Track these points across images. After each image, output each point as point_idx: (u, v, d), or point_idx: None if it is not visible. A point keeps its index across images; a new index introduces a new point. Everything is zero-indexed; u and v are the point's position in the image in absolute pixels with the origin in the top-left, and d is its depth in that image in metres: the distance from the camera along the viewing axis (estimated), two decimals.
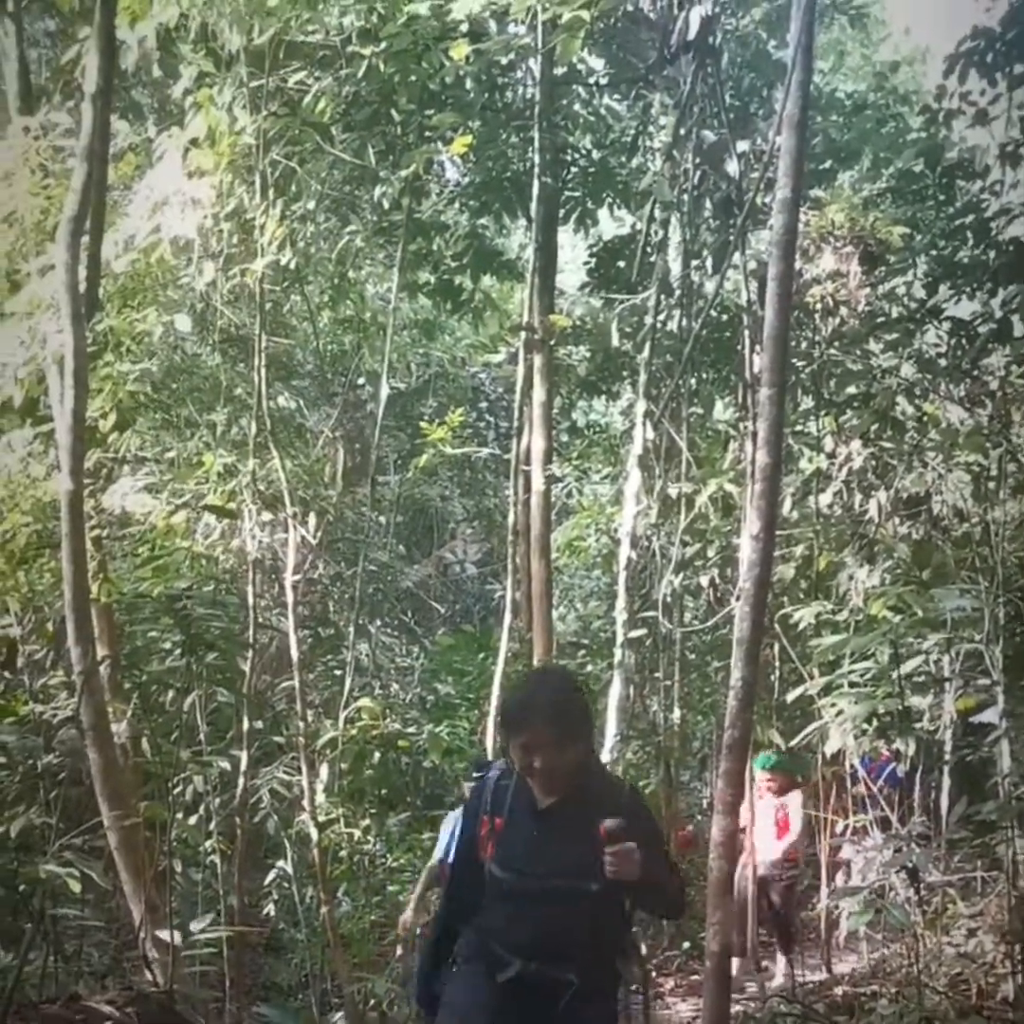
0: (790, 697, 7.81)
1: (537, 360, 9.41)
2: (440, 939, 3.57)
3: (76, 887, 5.40)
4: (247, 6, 6.94)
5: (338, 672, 10.06)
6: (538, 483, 9.87)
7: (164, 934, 5.75)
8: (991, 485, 8.11)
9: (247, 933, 7.71)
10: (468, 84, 8.79)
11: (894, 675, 6.30)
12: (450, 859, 5.14)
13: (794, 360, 8.77)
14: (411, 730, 8.70)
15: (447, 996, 3.41)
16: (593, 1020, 3.36)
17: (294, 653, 7.68)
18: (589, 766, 3.50)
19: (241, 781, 7.54)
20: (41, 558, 7.02)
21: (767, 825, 8.60)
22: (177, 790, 6.77)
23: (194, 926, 5.81)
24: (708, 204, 9.11)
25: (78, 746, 5.92)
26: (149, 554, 7.48)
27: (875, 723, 6.66)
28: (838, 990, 7.17)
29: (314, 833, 7.36)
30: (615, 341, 8.88)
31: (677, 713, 9.85)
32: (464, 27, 7.26)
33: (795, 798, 8.67)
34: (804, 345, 9.55)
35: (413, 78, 7.51)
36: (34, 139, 6.72)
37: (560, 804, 3.39)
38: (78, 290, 5.86)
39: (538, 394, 9.71)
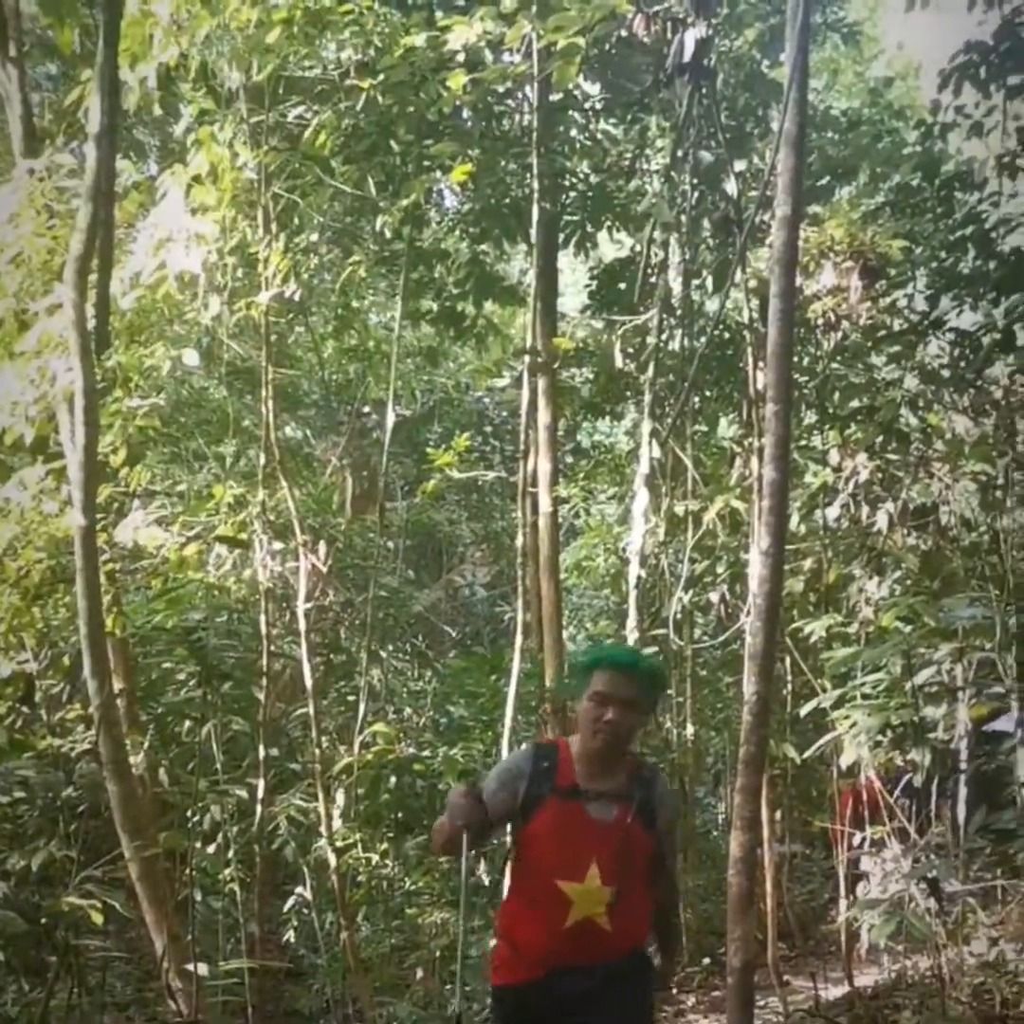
0: (803, 711, 7.83)
1: (541, 383, 9.46)
2: None
3: (98, 919, 5.43)
4: (246, 44, 7.04)
5: (351, 698, 10.09)
6: (545, 505, 9.91)
7: (188, 965, 5.79)
8: (998, 494, 8.15)
9: (268, 960, 7.73)
10: (466, 113, 8.89)
11: (907, 686, 6.32)
12: None
13: (797, 375, 8.82)
14: (426, 753, 8.72)
15: None
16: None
17: (308, 680, 7.72)
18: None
19: (258, 809, 7.57)
20: (56, 593, 7.07)
21: None
22: (195, 819, 6.81)
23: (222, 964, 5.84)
24: (707, 224, 9.18)
25: (97, 779, 5.96)
26: (162, 587, 7.53)
27: (889, 734, 6.68)
28: (860, 1003, 7.16)
29: (332, 859, 7.38)
30: (618, 362, 8.94)
31: (690, 729, 9.88)
32: (460, 57, 7.33)
33: None
34: (807, 360, 9.62)
35: (411, 109, 7.59)
36: (39, 181, 6.80)
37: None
38: (86, 328, 5.92)
39: (543, 417, 9.76)
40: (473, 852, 3.71)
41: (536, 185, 8.05)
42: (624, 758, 3.68)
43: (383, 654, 11.40)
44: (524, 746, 4.25)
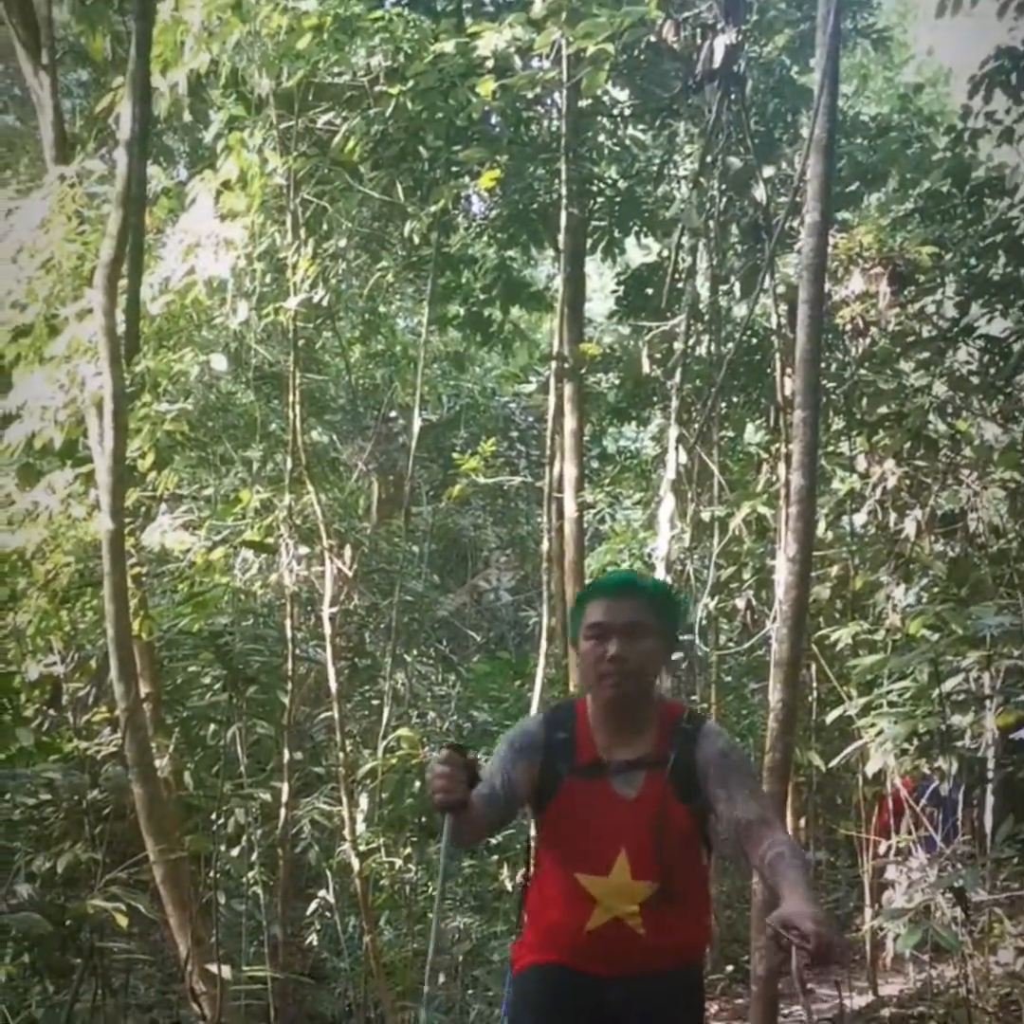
0: (829, 718, 7.79)
1: (568, 389, 9.47)
2: None
3: (123, 921, 5.45)
4: (276, 50, 7.08)
5: (376, 702, 10.10)
6: (570, 510, 9.90)
7: (212, 967, 5.81)
8: None
9: (291, 964, 7.75)
10: (494, 119, 8.90)
11: (934, 693, 6.29)
12: None
13: (825, 381, 8.78)
14: None
15: None
16: None
17: (332, 684, 7.74)
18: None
19: (282, 812, 7.59)
20: (83, 597, 7.11)
21: None
22: (220, 823, 6.83)
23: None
24: (735, 229, 9.17)
25: (123, 782, 5.98)
26: (189, 591, 7.56)
27: (916, 742, 6.65)
28: (886, 1012, 7.12)
29: (355, 863, 7.39)
30: (645, 368, 8.92)
31: None
32: (489, 63, 7.35)
33: None
34: (835, 366, 9.57)
35: (440, 115, 7.61)
36: (69, 187, 6.84)
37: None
38: (116, 333, 5.96)
39: (569, 422, 9.77)
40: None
41: (564, 191, 8.05)
42: (652, 708, 2.97)
43: (408, 658, 11.40)
44: (534, 713, 3.51)
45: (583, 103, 9.17)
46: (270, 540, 7.67)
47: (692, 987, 3.01)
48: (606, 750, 2.94)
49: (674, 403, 8.28)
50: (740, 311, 9.97)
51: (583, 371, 9.88)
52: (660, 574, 8.00)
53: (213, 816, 6.85)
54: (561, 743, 2.96)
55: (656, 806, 2.86)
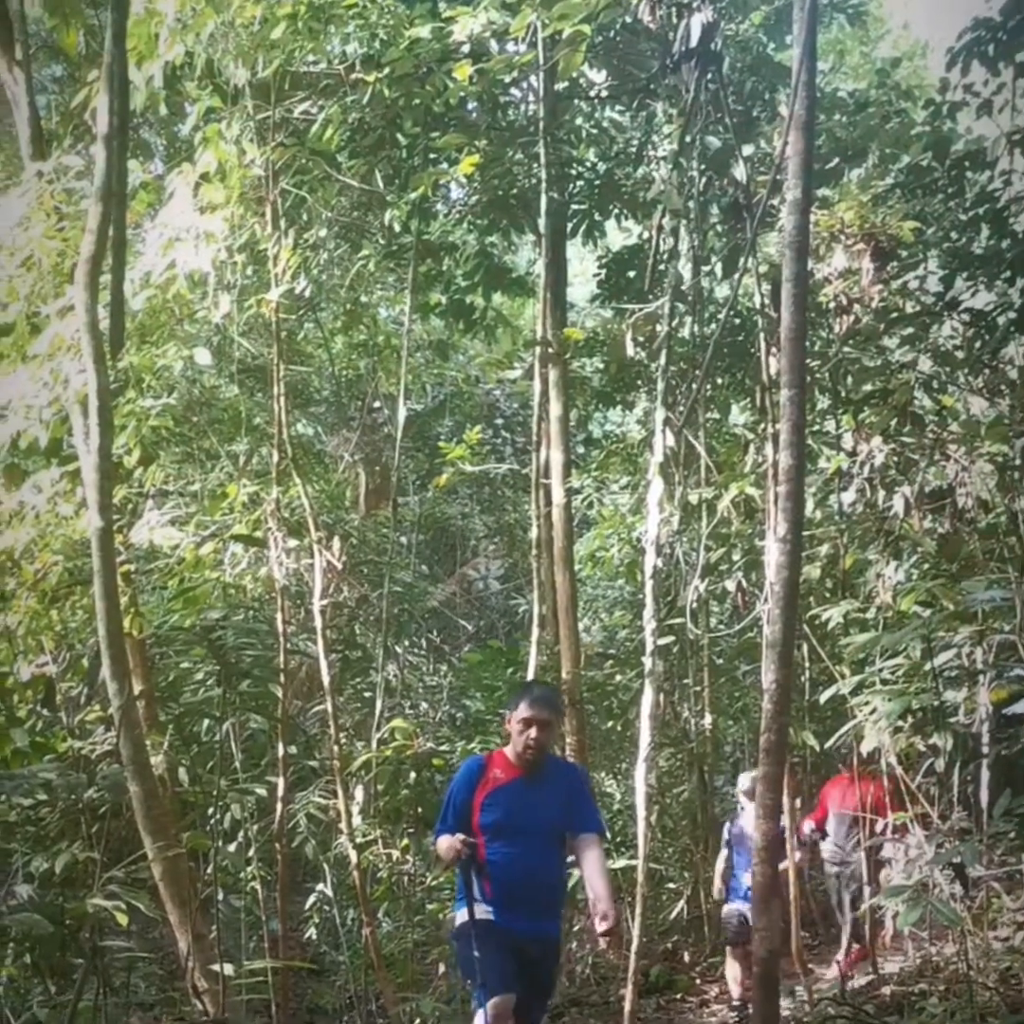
0: (823, 698, 7.80)
1: (552, 374, 9.42)
2: None
3: (123, 919, 5.43)
4: (251, 40, 7.03)
5: (368, 694, 10.09)
6: (558, 496, 9.87)
7: (213, 964, 5.80)
8: (1015, 475, 8.10)
9: (291, 958, 7.75)
10: (471, 105, 8.85)
11: (926, 669, 6.29)
12: None
13: (810, 360, 8.76)
14: (444, 748, 8.72)
15: None
16: None
17: (325, 677, 7.71)
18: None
19: (278, 807, 7.57)
20: (73, 595, 7.08)
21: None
22: (216, 819, 6.82)
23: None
24: (715, 210, 9.13)
25: (119, 780, 5.96)
26: (179, 586, 7.53)
27: (910, 719, 6.65)
28: (886, 990, 7.13)
29: (352, 855, 7.38)
30: (629, 351, 8.89)
31: (708, 718, 9.85)
32: (466, 48, 7.32)
33: None
34: (818, 344, 9.55)
35: (417, 101, 7.57)
36: (48, 183, 6.79)
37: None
38: (99, 329, 5.92)
39: (554, 408, 9.72)
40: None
41: (543, 175, 8.01)
42: None
43: (399, 649, 11.40)
44: None
45: (560, 86, 9.12)
46: (258, 534, 7.63)
47: None
48: None
49: (660, 386, 8.24)
50: (723, 291, 9.95)
51: (567, 356, 9.85)
52: (650, 557, 7.99)
53: (209, 812, 6.83)
54: None
55: None
